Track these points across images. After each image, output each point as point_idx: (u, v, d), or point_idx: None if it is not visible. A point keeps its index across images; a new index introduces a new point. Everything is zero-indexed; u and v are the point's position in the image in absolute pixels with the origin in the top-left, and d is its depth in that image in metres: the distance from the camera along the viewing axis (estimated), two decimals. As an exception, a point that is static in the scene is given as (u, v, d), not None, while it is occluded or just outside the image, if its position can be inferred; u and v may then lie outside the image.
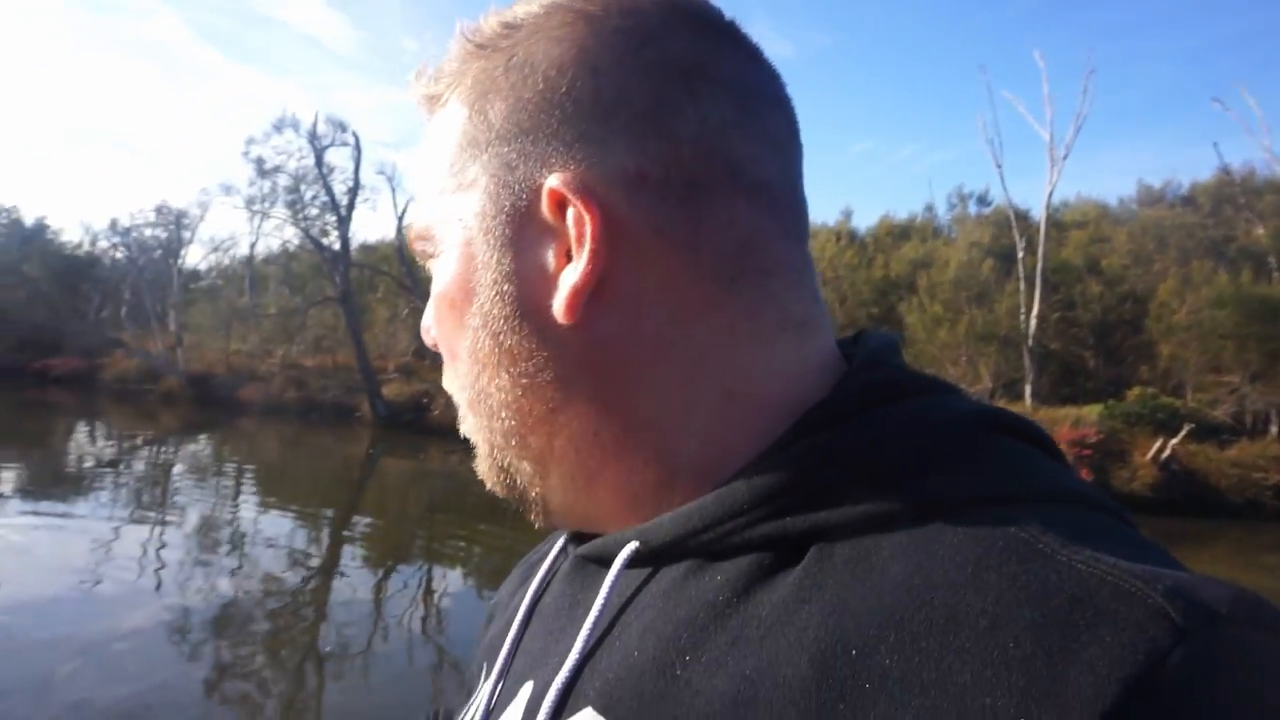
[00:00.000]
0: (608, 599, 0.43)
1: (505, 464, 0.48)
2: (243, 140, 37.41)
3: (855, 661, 0.32)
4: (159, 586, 6.58)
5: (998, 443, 0.40)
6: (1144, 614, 0.29)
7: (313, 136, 21.12)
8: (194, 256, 31.36)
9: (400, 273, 21.59)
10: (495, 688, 0.51)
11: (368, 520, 10.18)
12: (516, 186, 0.44)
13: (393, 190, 33.06)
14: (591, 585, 0.47)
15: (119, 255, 27.20)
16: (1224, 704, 0.28)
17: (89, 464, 12.82)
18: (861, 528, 0.37)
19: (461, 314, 0.46)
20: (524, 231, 0.44)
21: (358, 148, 21.46)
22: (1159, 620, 0.29)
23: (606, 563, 0.45)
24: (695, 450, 0.43)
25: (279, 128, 22.20)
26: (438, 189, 0.47)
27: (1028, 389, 16.98)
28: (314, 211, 22.32)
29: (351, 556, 8.35)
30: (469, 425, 0.49)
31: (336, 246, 21.63)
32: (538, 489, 0.47)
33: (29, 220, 34.73)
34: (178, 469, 13.19)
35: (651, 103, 0.43)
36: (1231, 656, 0.29)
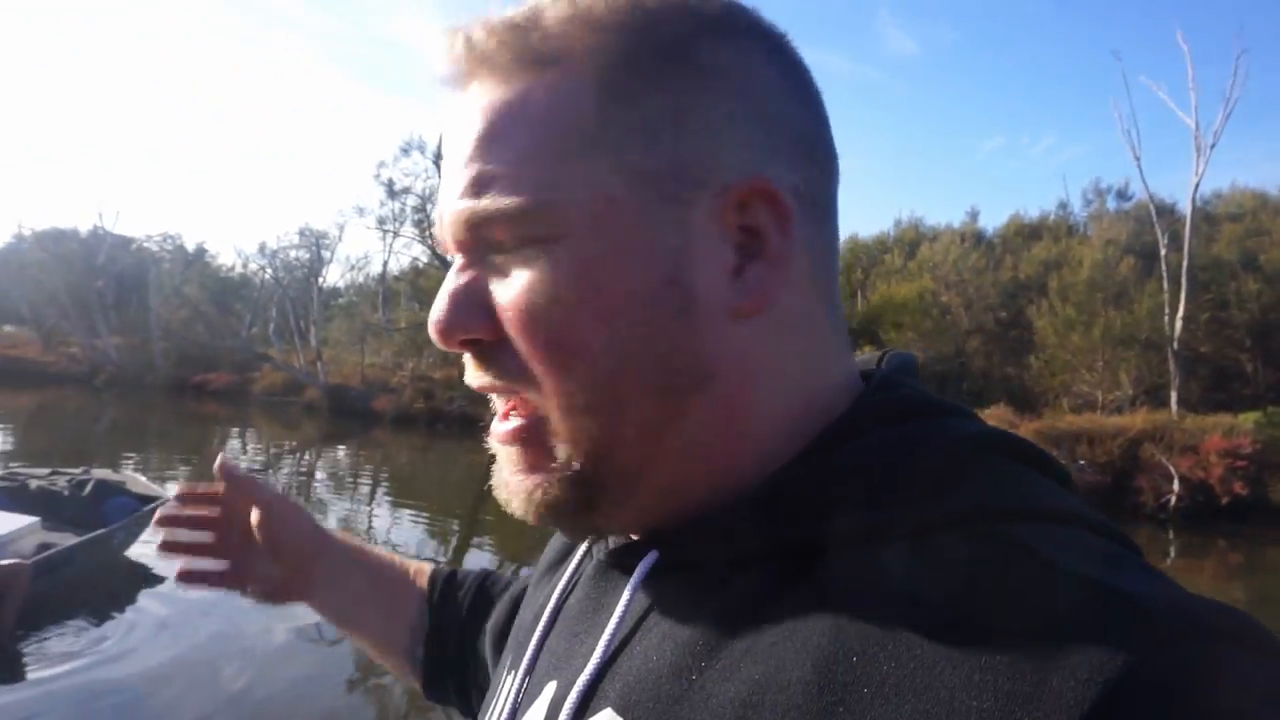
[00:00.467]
0: (628, 607, 0.45)
1: (596, 476, 0.44)
2: (374, 164, 39.55)
3: (855, 667, 0.34)
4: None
5: (999, 463, 0.42)
6: (1127, 624, 0.31)
7: (437, 158, 22.12)
8: (333, 275, 33.33)
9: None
10: (521, 685, 0.52)
11: (496, 527, 10.56)
12: (689, 177, 0.43)
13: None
14: (614, 590, 0.48)
15: (267, 276, 29.06)
16: (1197, 712, 0.29)
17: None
18: (864, 540, 0.38)
19: (604, 303, 0.42)
20: (692, 224, 0.43)
21: (480, 167, 22.38)
22: (1141, 630, 0.31)
23: (629, 570, 0.46)
24: (773, 459, 0.44)
25: (406, 150, 23.55)
26: (558, 163, 0.43)
27: (1173, 395, 15.86)
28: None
29: (476, 560, 8.69)
30: (561, 428, 0.44)
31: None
32: (616, 503, 0.45)
33: (190, 246, 38.03)
34: (319, 475, 14.06)
35: (804, 130, 0.46)
36: (1210, 668, 0.30)
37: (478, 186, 0.43)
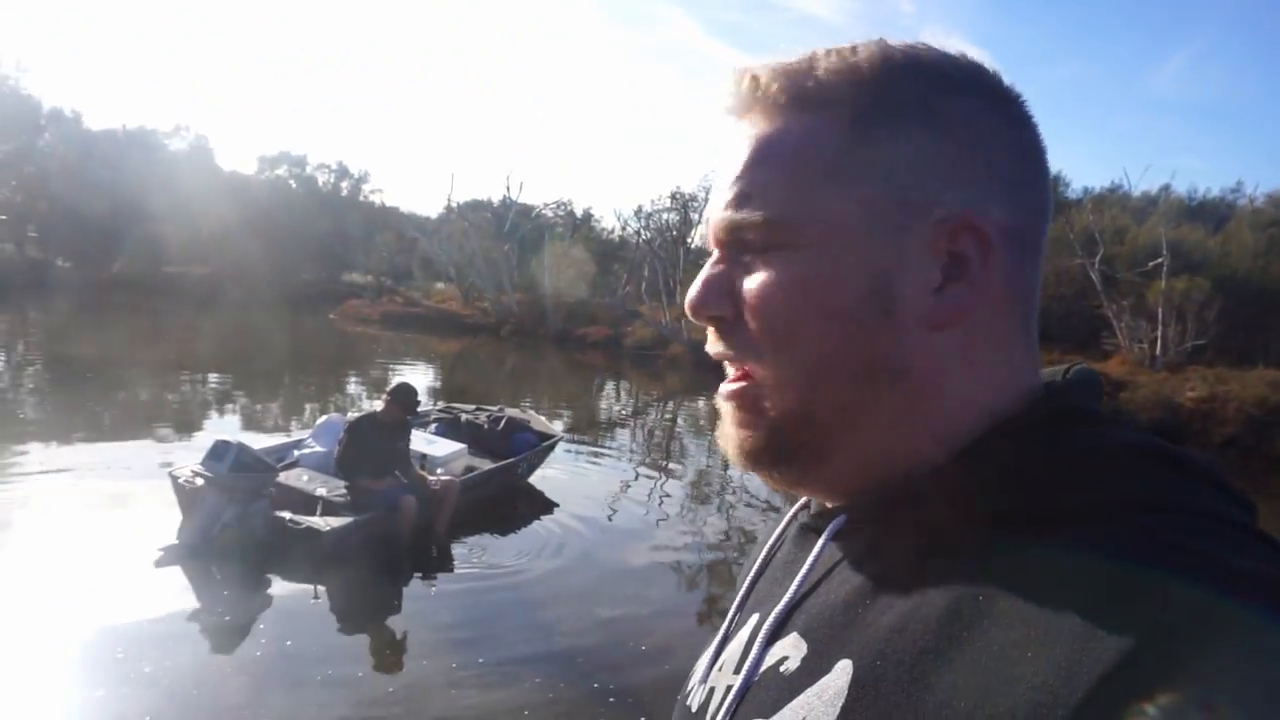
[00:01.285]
0: (817, 557, 0.56)
1: (793, 437, 0.54)
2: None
3: (980, 605, 0.42)
4: (660, 522, 7.79)
5: (1150, 468, 0.46)
6: (1206, 573, 0.37)
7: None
8: (700, 237, 35.03)
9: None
10: (732, 619, 0.64)
11: None
12: (912, 209, 0.51)
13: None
14: (809, 546, 0.58)
15: (641, 238, 31.27)
16: (1244, 647, 0.34)
17: (616, 414, 15.27)
18: (1007, 521, 0.45)
19: (824, 303, 0.52)
20: (907, 248, 0.51)
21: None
22: (1218, 577, 0.37)
23: (822, 532, 0.57)
24: (941, 446, 0.51)
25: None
26: (806, 186, 0.52)
27: None
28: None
29: None
30: (773, 396, 0.54)
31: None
32: (807, 463, 0.55)
33: (579, 211, 42.59)
34: (680, 423, 15.09)
35: (1017, 175, 0.53)
36: (1271, 614, 0.35)
37: (739, 200, 0.54)
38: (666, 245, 29.78)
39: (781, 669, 0.52)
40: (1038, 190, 0.55)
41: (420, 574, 5.98)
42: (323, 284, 37.44)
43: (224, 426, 10.34)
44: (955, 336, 0.52)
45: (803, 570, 0.56)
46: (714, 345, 0.57)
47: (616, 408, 16.63)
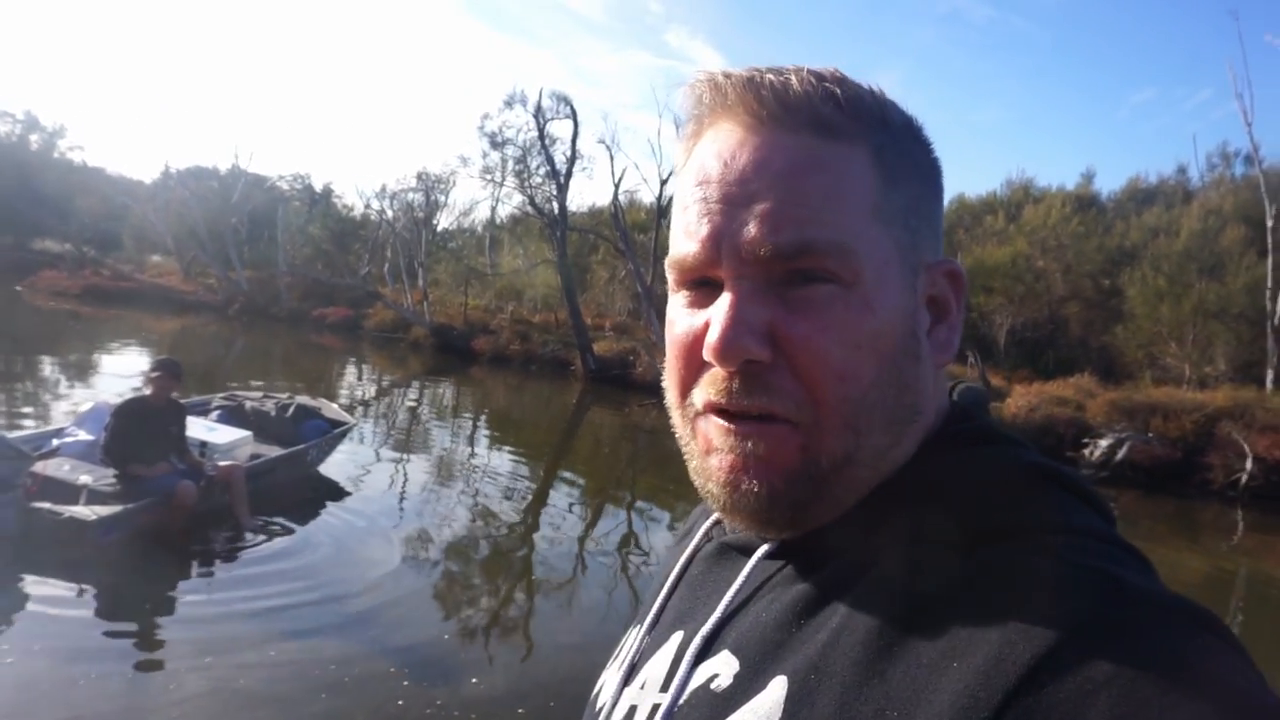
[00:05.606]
0: (748, 577, 0.56)
1: (827, 485, 0.52)
2: (479, 115, 40.69)
3: (909, 619, 0.45)
4: (402, 503, 8.13)
5: (1043, 488, 0.51)
6: (1104, 589, 0.41)
7: (537, 111, 22.90)
8: (445, 220, 34.81)
9: (615, 237, 23.03)
10: (645, 636, 0.64)
11: (576, 463, 11.45)
12: (915, 255, 0.54)
13: (611, 159, 35.11)
14: (732, 565, 0.60)
15: (386, 217, 30.45)
16: (1138, 651, 0.38)
17: (357, 397, 15.16)
18: (930, 540, 0.48)
19: (878, 343, 0.51)
20: (917, 290, 0.54)
21: (575, 122, 23.05)
22: (1115, 594, 0.41)
23: (747, 552, 0.58)
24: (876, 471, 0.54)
25: (509, 104, 24.38)
26: (861, 219, 0.51)
27: (1269, 374, 15.46)
28: (538, 180, 24.24)
29: (560, 492, 9.53)
30: (815, 441, 0.51)
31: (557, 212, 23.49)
32: (819, 505, 0.53)
33: (319, 186, 40.19)
34: (424, 407, 15.26)
35: (940, 222, 0.58)
36: (1159, 626, 0.40)
37: (794, 223, 0.49)
38: (411, 226, 29.42)
39: (713, 686, 0.52)
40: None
41: (200, 566, 5.81)
42: (7, 251, 32.70)
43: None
44: (937, 373, 0.56)
45: (731, 589, 0.56)
46: (747, 396, 0.51)
47: (359, 391, 16.51)
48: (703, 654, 0.55)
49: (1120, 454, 13.01)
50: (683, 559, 0.67)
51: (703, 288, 0.54)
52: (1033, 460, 0.53)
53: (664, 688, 0.57)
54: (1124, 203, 25.74)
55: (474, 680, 4.46)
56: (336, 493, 7.95)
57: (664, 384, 0.59)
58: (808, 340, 0.50)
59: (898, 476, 0.54)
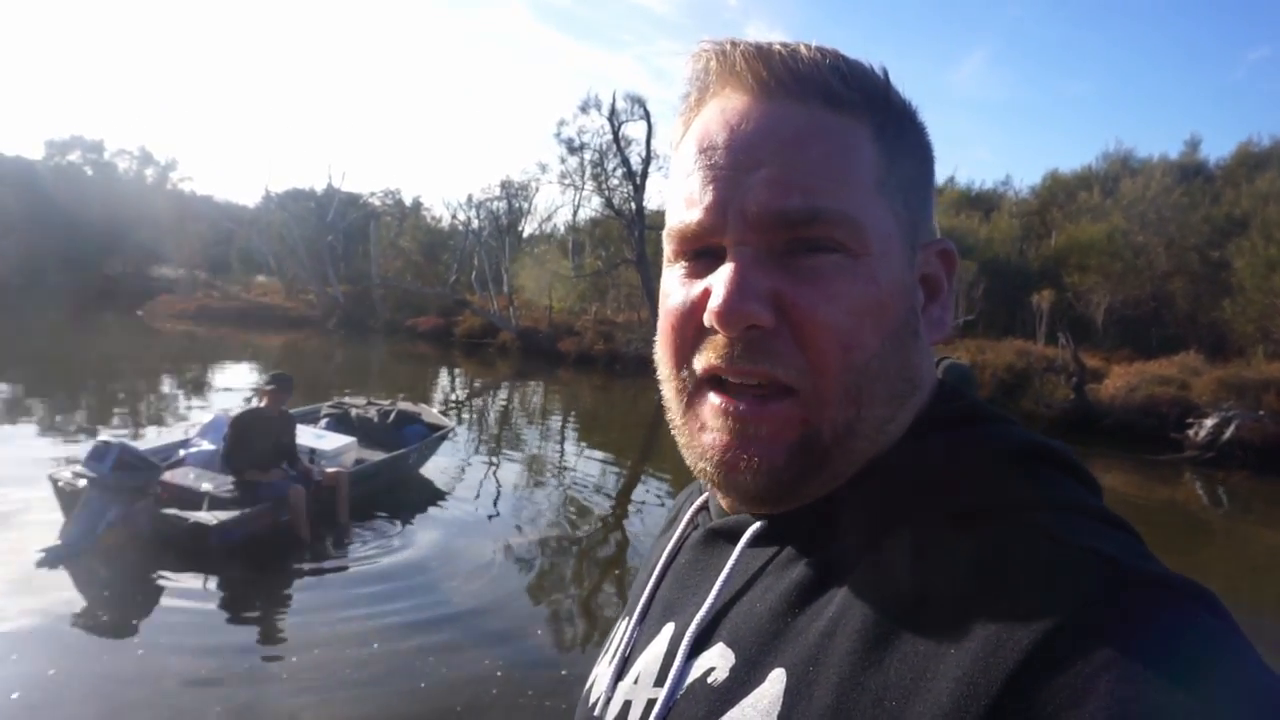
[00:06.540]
0: (736, 565, 0.55)
1: (829, 456, 0.52)
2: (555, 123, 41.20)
3: (905, 606, 0.44)
4: (497, 502, 8.41)
5: (1029, 465, 0.50)
6: (1101, 570, 0.41)
7: (612, 114, 23.20)
8: (530, 226, 35.38)
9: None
10: (634, 628, 0.63)
11: (663, 460, 11.32)
12: (914, 232, 0.55)
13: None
14: (720, 553, 0.58)
15: (473, 226, 31.13)
16: (1138, 634, 0.38)
17: (451, 401, 15.64)
18: (920, 521, 0.48)
19: (881, 317, 0.52)
20: (914, 266, 0.55)
21: (649, 122, 23.26)
22: (1112, 575, 0.40)
23: (732, 538, 0.57)
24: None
25: (584, 109, 24.90)
26: (866, 193, 0.51)
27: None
28: (615, 182, 24.52)
29: (648, 490, 9.65)
30: (819, 412, 0.51)
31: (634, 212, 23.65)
32: (818, 479, 0.53)
33: (409, 200, 41.46)
34: (514, 410, 15.67)
35: (932, 204, 0.57)
36: (1158, 607, 0.39)
37: (803, 191, 0.49)
38: (496, 234, 30.12)
39: (710, 680, 0.51)
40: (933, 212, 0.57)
41: (312, 565, 6.08)
42: (129, 279, 35.06)
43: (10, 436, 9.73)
44: (931, 350, 0.56)
45: (720, 579, 0.55)
46: (748, 360, 0.51)
47: (452, 396, 17.03)
48: (697, 647, 0.54)
49: (1227, 433, 12.38)
50: (669, 547, 0.67)
51: (702, 258, 0.54)
52: (1023, 437, 0.52)
53: (658, 682, 0.56)
54: (1234, 170, 24.23)
55: (564, 673, 4.65)
56: (436, 494, 8.30)
57: (656, 357, 0.59)
58: (814, 308, 0.50)
59: (889, 454, 0.53)
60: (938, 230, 0.58)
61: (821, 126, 0.51)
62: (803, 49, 0.53)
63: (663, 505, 8.88)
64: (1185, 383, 14.16)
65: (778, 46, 0.53)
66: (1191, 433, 12.89)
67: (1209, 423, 12.72)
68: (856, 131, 0.52)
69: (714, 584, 0.56)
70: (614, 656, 0.63)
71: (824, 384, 0.51)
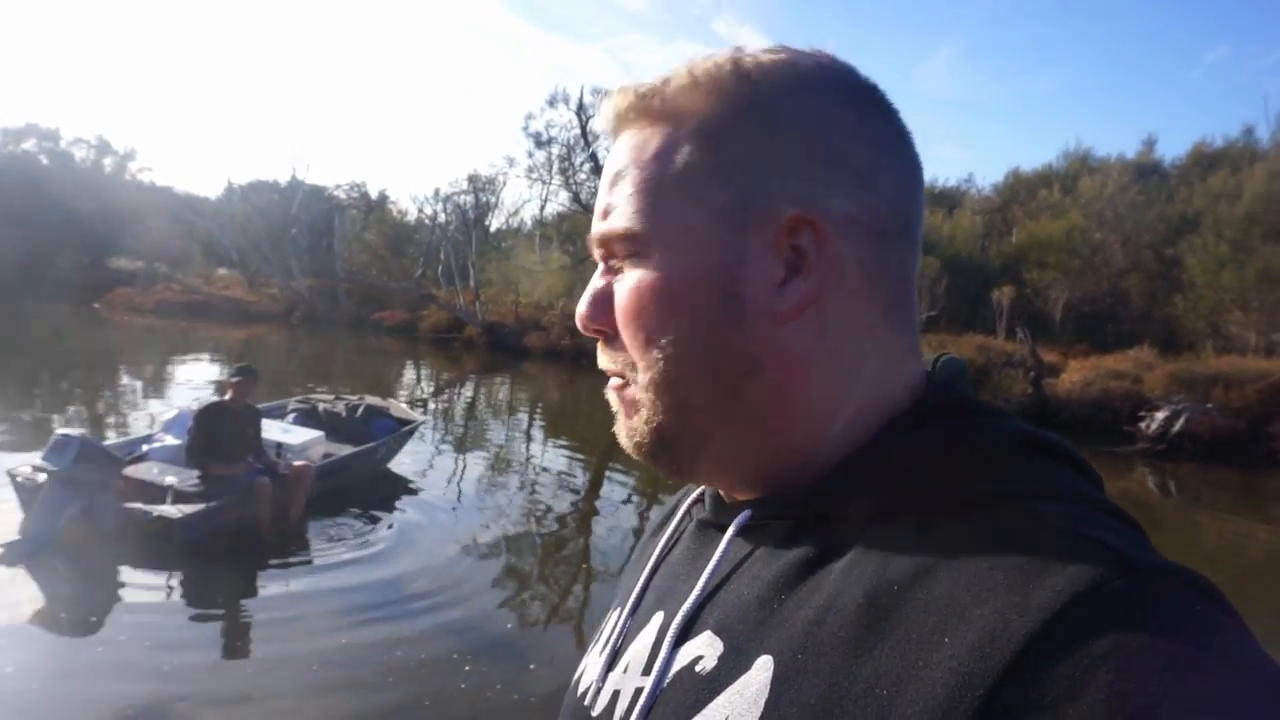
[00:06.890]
0: (724, 552, 0.56)
1: (671, 434, 0.56)
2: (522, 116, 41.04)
3: (896, 593, 0.44)
4: (465, 496, 8.44)
5: (1029, 455, 0.51)
6: (1101, 559, 0.40)
7: (580, 108, 23.24)
8: (497, 220, 35.14)
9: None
10: (627, 618, 0.64)
11: (629, 455, 11.65)
12: (752, 209, 0.53)
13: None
14: (711, 543, 0.60)
15: (440, 220, 30.93)
16: (1138, 623, 0.37)
17: (417, 396, 15.50)
18: (913, 509, 0.48)
19: (674, 307, 0.53)
20: (748, 246, 0.53)
21: (620, 116, 23.29)
22: (1112, 564, 0.40)
23: (723, 528, 0.58)
24: (833, 438, 0.54)
25: (552, 102, 24.85)
26: (654, 197, 0.54)
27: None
28: (583, 176, 24.58)
29: (614, 486, 9.69)
30: (644, 398, 0.55)
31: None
32: (692, 457, 0.56)
33: (374, 193, 40.83)
34: (480, 404, 15.71)
35: (866, 164, 0.54)
36: (1159, 595, 0.39)
37: (605, 214, 0.57)
38: (462, 228, 29.93)
39: (697, 669, 0.51)
40: (899, 175, 0.55)
41: (278, 560, 6.02)
42: (85, 270, 34.17)
43: None
44: (809, 328, 0.53)
45: (709, 567, 0.56)
46: (602, 359, 0.59)
47: (419, 390, 16.96)
48: (684, 635, 0.55)
49: (1177, 426, 12.74)
50: (664, 539, 0.68)
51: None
52: (1016, 428, 0.52)
53: (646, 671, 0.56)
54: (1188, 169, 24.86)
55: (532, 666, 4.65)
56: (405, 488, 8.28)
57: None
58: (619, 306, 0.56)
59: (881, 440, 0.53)
60: (845, 202, 0.53)
61: (631, 145, 0.57)
62: (638, 85, 0.58)
63: (629, 499, 8.95)
64: (1139, 377, 14.53)
65: (623, 88, 0.59)
66: (1144, 425, 13.24)
67: (1160, 416, 13.08)
68: (670, 137, 0.55)
69: (703, 572, 0.57)
70: (605, 647, 0.64)
71: (640, 372, 0.56)
